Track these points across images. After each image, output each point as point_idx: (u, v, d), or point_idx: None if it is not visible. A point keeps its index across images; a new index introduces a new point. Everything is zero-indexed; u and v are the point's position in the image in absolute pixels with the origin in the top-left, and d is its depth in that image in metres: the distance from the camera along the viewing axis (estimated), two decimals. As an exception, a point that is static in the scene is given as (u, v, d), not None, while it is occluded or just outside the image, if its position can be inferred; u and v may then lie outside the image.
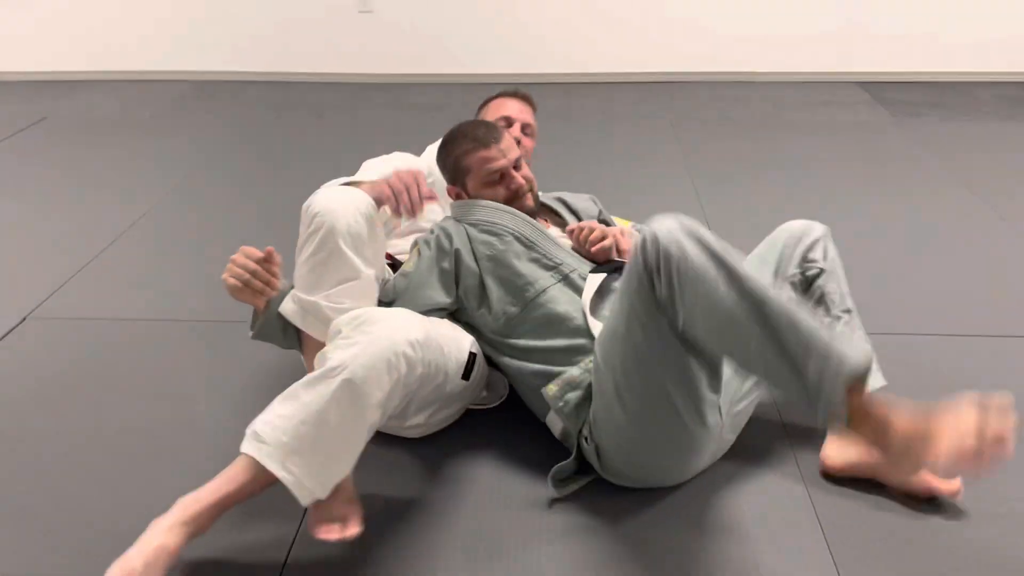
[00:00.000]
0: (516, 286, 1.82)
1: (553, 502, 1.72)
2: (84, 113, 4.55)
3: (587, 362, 1.69)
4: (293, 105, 4.68)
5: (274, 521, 1.68)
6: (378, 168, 2.20)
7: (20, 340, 2.35)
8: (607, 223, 2.17)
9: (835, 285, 1.83)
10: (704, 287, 1.40)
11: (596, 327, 1.72)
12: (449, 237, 1.87)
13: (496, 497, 1.75)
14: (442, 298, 1.84)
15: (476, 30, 5.02)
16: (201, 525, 1.45)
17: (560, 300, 1.78)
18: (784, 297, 1.39)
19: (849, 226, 2.99)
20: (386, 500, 1.74)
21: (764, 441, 1.88)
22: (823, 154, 3.79)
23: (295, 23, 5.03)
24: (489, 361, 2.02)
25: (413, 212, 1.72)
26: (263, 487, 1.48)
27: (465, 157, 1.95)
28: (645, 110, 4.53)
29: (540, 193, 2.12)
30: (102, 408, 2.03)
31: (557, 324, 1.76)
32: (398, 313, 1.61)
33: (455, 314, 1.93)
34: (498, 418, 1.97)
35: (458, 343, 1.76)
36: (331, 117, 4.47)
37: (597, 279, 1.78)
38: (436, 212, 2.28)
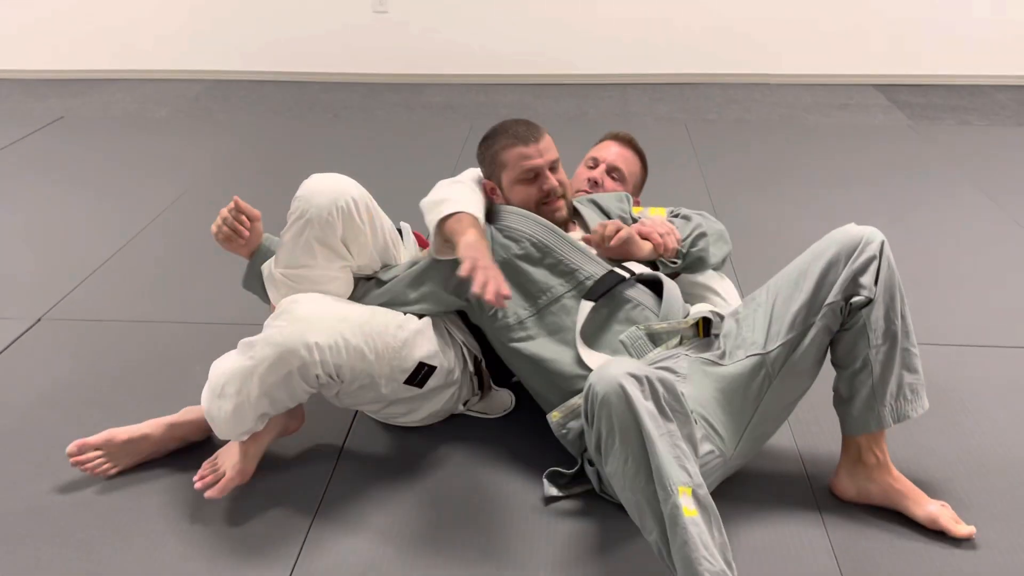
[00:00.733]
0: (529, 292, 1.82)
1: (549, 501, 1.75)
2: (101, 112, 4.57)
3: None
4: (308, 105, 4.69)
5: (282, 527, 1.69)
6: (450, 188, 2.03)
7: (34, 341, 2.36)
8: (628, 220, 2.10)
9: (881, 311, 1.62)
10: (621, 471, 1.42)
11: (588, 356, 1.72)
12: None
13: (495, 492, 1.77)
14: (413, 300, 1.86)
15: (491, 31, 5.01)
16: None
17: (572, 311, 1.78)
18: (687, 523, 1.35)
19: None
20: (380, 488, 1.76)
21: (776, 462, 1.86)
22: (839, 159, 3.76)
23: (311, 23, 5.04)
24: (499, 372, 2.02)
25: (492, 301, 1.59)
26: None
27: (503, 152, 1.94)
28: (660, 112, 4.51)
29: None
30: (116, 410, 2.03)
31: (566, 332, 1.77)
32: (319, 311, 1.67)
33: (464, 316, 1.95)
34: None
35: (405, 351, 1.74)
36: (346, 117, 4.48)
37: (587, 307, 1.77)
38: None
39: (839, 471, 1.74)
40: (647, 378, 1.42)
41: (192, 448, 1.89)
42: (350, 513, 1.74)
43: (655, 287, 1.85)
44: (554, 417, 1.71)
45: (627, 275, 1.81)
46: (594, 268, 1.83)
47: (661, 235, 1.90)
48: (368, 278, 1.92)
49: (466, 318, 1.97)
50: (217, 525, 1.70)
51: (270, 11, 5.03)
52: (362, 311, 1.75)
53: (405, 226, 2.10)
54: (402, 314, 1.81)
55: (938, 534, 1.64)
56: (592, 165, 2.16)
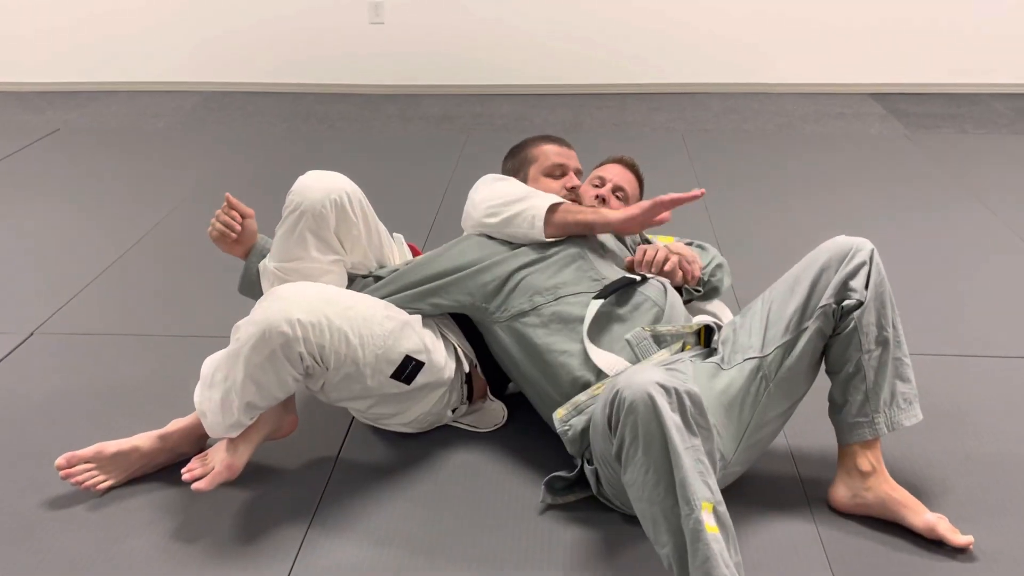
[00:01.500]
0: (554, 285, 1.85)
1: (547, 508, 1.74)
2: (97, 124, 4.57)
3: (595, 388, 1.68)
4: (305, 116, 4.69)
5: (283, 523, 1.68)
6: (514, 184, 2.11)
7: (27, 355, 2.35)
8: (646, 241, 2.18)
9: (873, 317, 1.65)
10: (641, 480, 1.40)
11: (595, 354, 1.72)
12: None
13: (492, 498, 1.77)
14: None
15: (487, 41, 5.02)
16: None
17: (583, 305, 1.80)
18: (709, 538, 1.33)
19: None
20: (376, 494, 1.75)
21: (773, 471, 1.85)
22: (835, 168, 3.76)
23: (307, 35, 5.05)
24: (494, 383, 2.01)
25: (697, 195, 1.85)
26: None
27: (535, 146, 2.12)
28: (657, 121, 4.51)
29: None
30: (108, 425, 2.02)
31: (575, 324, 1.78)
32: (303, 291, 1.67)
33: (460, 319, 1.97)
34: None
35: (391, 341, 1.74)
36: (343, 128, 4.48)
37: (596, 306, 1.77)
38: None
39: (836, 483, 1.73)
40: (675, 390, 1.40)
41: (184, 463, 1.87)
42: (346, 520, 1.73)
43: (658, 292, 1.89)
44: (559, 414, 1.70)
45: (637, 278, 1.85)
46: (613, 274, 1.89)
47: (690, 262, 1.96)
48: (365, 276, 1.93)
49: (462, 321, 1.97)
50: (209, 536, 1.68)
51: (267, 22, 5.04)
52: (348, 297, 1.75)
53: (398, 236, 2.10)
54: (392, 306, 1.82)
55: (935, 544, 1.62)
56: (599, 184, 2.17)
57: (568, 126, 4.43)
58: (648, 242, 2.13)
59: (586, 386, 1.73)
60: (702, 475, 1.37)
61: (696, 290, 2.04)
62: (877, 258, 1.68)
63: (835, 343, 1.67)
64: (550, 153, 2.10)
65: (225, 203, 1.91)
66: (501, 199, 1.94)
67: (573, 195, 2.07)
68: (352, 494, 1.80)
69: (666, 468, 1.37)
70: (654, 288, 1.87)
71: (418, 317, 1.84)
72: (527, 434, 1.96)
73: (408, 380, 1.78)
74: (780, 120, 4.51)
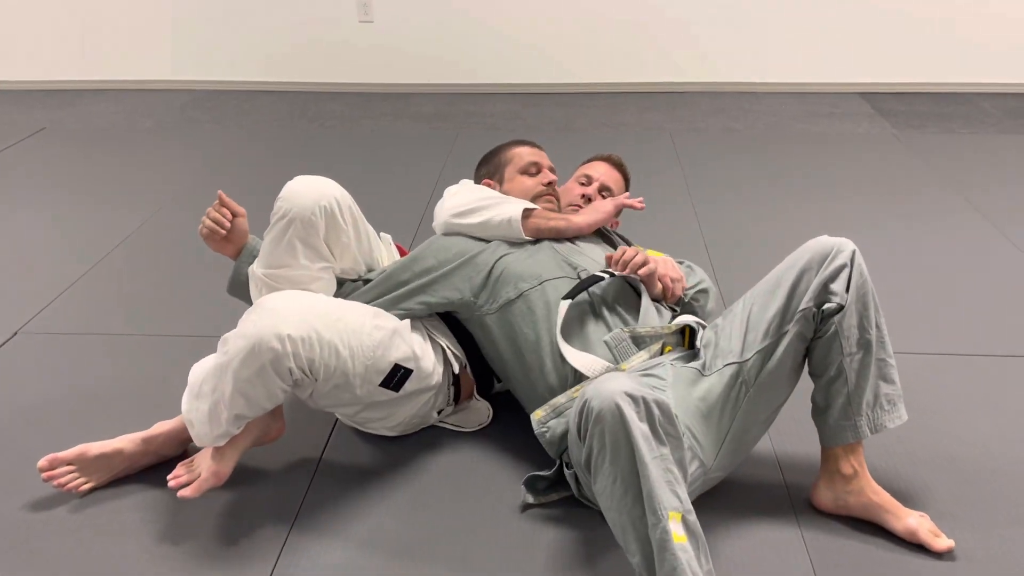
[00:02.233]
0: (538, 272, 1.86)
1: (527, 507, 1.74)
2: (85, 123, 4.55)
3: (574, 390, 1.67)
4: (295, 115, 4.68)
5: (269, 519, 1.67)
6: (483, 191, 2.14)
7: (10, 355, 2.34)
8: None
9: (854, 319, 1.63)
10: (610, 490, 1.40)
11: (571, 356, 1.72)
12: None
13: (475, 500, 1.76)
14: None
15: (478, 40, 5.01)
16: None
17: (564, 288, 1.81)
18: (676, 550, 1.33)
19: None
20: (359, 496, 1.75)
21: (757, 473, 1.85)
22: (824, 168, 3.76)
23: (296, 33, 5.03)
24: (481, 382, 2.01)
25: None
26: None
27: (510, 149, 2.18)
28: (647, 121, 4.51)
29: None
30: (91, 425, 2.01)
31: (556, 307, 1.79)
32: (292, 304, 1.65)
33: (448, 319, 1.98)
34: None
35: (380, 351, 1.73)
36: (333, 126, 4.47)
37: (564, 306, 1.77)
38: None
39: (818, 483, 1.73)
40: (643, 399, 1.40)
41: (167, 464, 1.86)
42: (328, 522, 1.72)
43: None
44: (537, 415, 1.70)
45: (605, 276, 1.83)
46: (586, 264, 1.90)
47: (672, 280, 1.94)
48: (354, 280, 1.93)
49: (449, 321, 1.97)
50: (192, 536, 1.68)
51: (256, 21, 5.02)
52: (337, 308, 1.73)
53: (386, 236, 2.09)
54: (382, 313, 1.81)
55: (917, 545, 1.63)
56: (585, 182, 2.18)
57: (559, 125, 4.43)
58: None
59: (567, 382, 1.73)
60: (670, 484, 1.37)
61: (673, 309, 2.01)
62: (859, 259, 1.65)
63: (816, 347, 1.65)
64: (524, 153, 2.16)
65: (217, 200, 1.91)
66: (470, 206, 1.96)
67: (550, 190, 2.11)
68: (335, 496, 1.80)
69: (633, 478, 1.37)
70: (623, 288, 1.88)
71: (407, 323, 1.83)
72: (511, 434, 1.96)
73: (397, 388, 1.78)
74: (769, 119, 4.52)
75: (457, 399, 1.98)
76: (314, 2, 4.96)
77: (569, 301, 1.78)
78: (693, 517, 1.38)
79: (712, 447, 1.64)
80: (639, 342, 1.76)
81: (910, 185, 3.54)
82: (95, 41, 5.12)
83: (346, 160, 3.90)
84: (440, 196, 2.10)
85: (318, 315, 1.66)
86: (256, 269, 1.86)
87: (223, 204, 1.91)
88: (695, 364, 1.73)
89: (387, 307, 1.85)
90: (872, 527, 1.68)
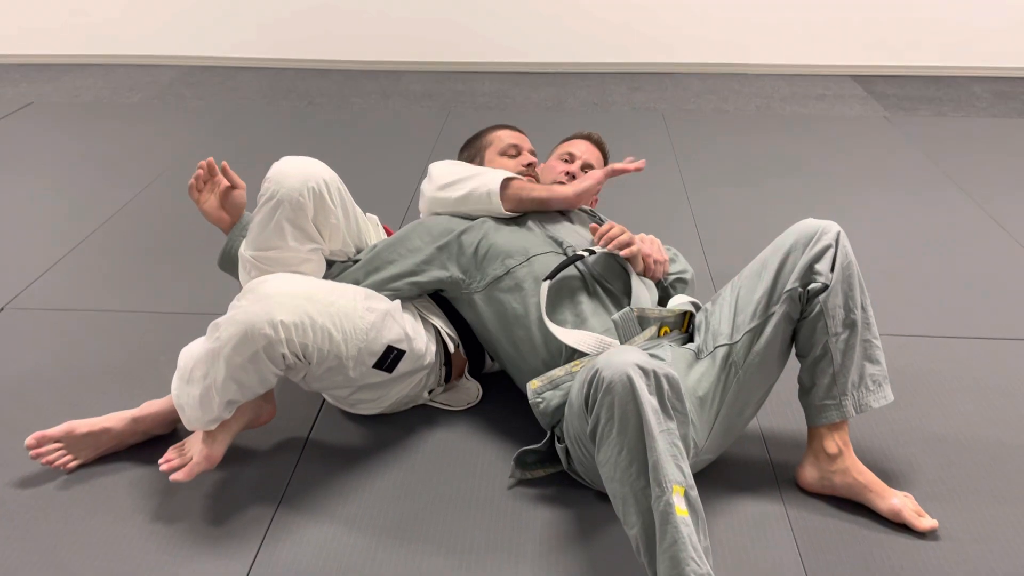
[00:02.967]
0: (525, 247, 1.87)
1: (515, 483, 1.75)
2: (71, 98, 4.51)
3: (573, 364, 1.68)
4: (283, 92, 4.65)
5: (252, 505, 1.68)
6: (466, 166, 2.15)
7: (-2, 331, 2.33)
8: None
9: (839, 299, 1.64)
10: (614, 460, 1.41)
11: (560, 334, 1.72)
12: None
13: (463, 480, 1.77)
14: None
15: (469, 18, 4.98)
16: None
17: (552, 264, 1.82)
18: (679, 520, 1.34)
19: (838, 224, 2.97)
20: (346, 477, 1.75)
21: (744, 451, 1.86)
22: (814, 150, 3.77)
23: (285, 9, 4.98)
24: (473, 362, 2.02)
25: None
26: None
27: (491, 133, 2.21)
28: (638, 101, 4.50)
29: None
30: (80, 401, 2.01)
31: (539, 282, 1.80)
32: (284, 289, 1.64)
33: (440, 300, 1.98)
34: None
35: (373, 333, 1.73)
36: (322, 104, 4.44)
37: (546, 287, 1.78)
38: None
39: (804, 463, 1.74)
40: (654, 372, 1.41)
41: (155, 441, 1.87)
42: (316, 501, 1.73)
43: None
44: (532, 386, 1.69)
45: (584, 254, 1.84)
46: (569, 238, 1.91)
47: (655, 262, 1.94)
48: (344, 262, 1.93)
49: (441, 302, 1.97)
50: (179, 515, 1.68)
51: (245, -4, 4.97)
52: (329, 291, 1.72)
53: (372, 217, 2.08)
54: (373, 294, 1.81)
55: (902, 524, 1.64)
56: (569, 159, 2.17)
57: (550, 104, 4.41)
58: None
59: (559, 355, 1.73)
60: (675, 458, 1.38)
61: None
62: (844, 240, 1.67)
63: (803, 327, 1.67)
64: (504, 136, 2.18)
65: (214, 166, 1.92)
66: (453, 178, 1.97)
67: (530, 171, 2.12)
68: (322, 475, 1.80)
69: (640, 449, 1.37)
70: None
71: (398, 304, 1.83)
72: (500, 413, 1.97)
73: (390, 369, 1.78)
74: (760, 101, 4.51)
75: (448, 378, 1.98)
76: (304, -22, 4.91)
77: (549, 282, 1.78)
78: (695, 493, 1.39)
79: (704, 428, 1.65)
80: (643, 322, 1.76)
81: (900, 168, 3.55)
82: (82, 15, 5.06)
83: (335, 139, 3.87)
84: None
85: (310, 299, 1.65)
86: (245, 251, 1.84)
87: (224, 173, 1.91)
88: (691, 346, 1.75)
89: (376, 288, 1.85)
90: (857, 506, 1.69)
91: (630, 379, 1.37)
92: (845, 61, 4.99)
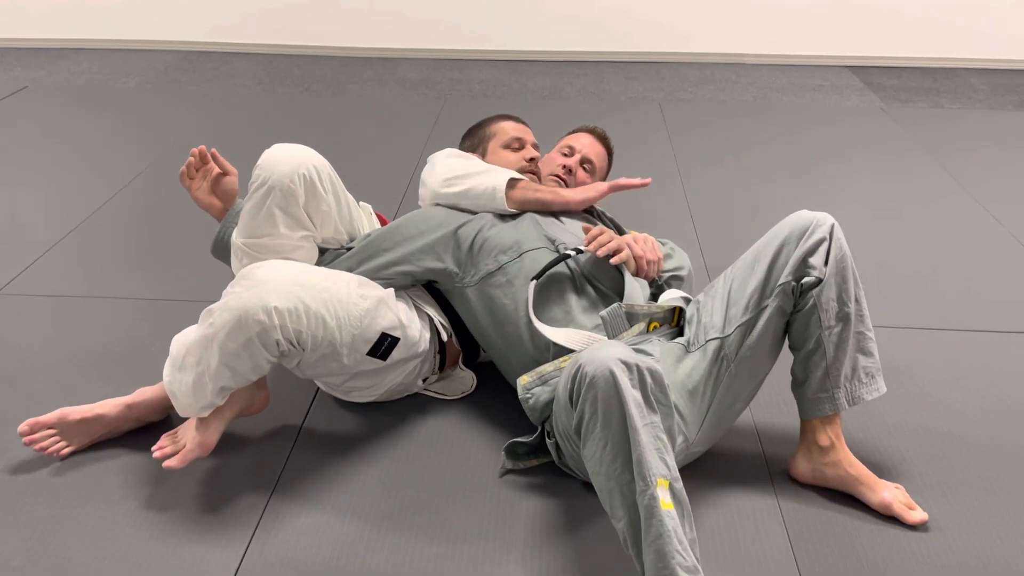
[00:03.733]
0: (519, 243, 1.86)
1: (505, 473, 1.76)
2: (67, 82, 4.49)
3: (562, 360, 1.68)
4: (280, 78, 4.63)
5: (244, 495, 1.68)
6: (469, 161, 2.14)
7: (-8, 317, 2.33)
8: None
9: (833, 293, 1.63)
10: (599, 455, 1.41)
11: (548, 332, 1.72)
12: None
13: (456, 469, 1.77)
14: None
15: (465, 6, 4.96)
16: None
17: (544, 260, 1.81)
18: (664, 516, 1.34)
19: (833, 215, 2.97)
20: (339, 465, 1.76)
21: (736, 443, 1.86)
22: (811, 140, 3.76)
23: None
24: (468, 352, 2.02)
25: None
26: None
27: (493, 123, 2.19)
28: (635, 90, 4.49)
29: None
30: (73, 388, 2.01)
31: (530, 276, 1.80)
32: (278, 275, 1.65)
33: (434, 290, 1.98)
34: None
35: (367, 320, 1.73)
36: (318, 91, 4.42)
37: (532, 287, 1.78)
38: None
39: (796, 455, 1.75)
40: (637, 366, 1.41)
41: (148, 427, 1.87)
42: (309, 488, 1.73)
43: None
44: (522, 381, 1.69)
45: (572, 252, 1.83)
46: (563, 237, 1.90)
47: (648, 262, 1.91)
48: (337, 249, 1.92)
49: (435, 292, 1.97)
50: (172, 502, 1.68)
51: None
52: (323, 278, 1.72)
53: (366, 206, 2.08)
54: (367, 282, 1.80)
55: (892, 517, 1.65)
56: (568, 153, 2.16)
57: (546, 93, 4.40)
58: (623, 234, 2.10)
59: (548, 351, 1.74)
60: (659, 452, 1.38)
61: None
62: (838, 233, 1.66)
63: (796, 320, 1.66)
64: (508, 128, 2.16)
65: (206, 154, 1.93)
66: (458, 172, 1.96)
67: (532, 166, 2.11)
68: (315, 463, 1.80)
69: (624, 443, 1.38)
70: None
71: (391, 291, 1.83)
72: (493, 403, 1.97)
73: (384, 356, 1.78)
74: (757, 91, 4.50)
75: (442, 367, 1.98)
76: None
77: (536, 282, 1.78)
78: (680, 485, 1.39)
79: (695, 422, 1.65)
80: (632, 318, 1.76)
81: (897, 159, 3.55)
82: (76, -1, 5.03)
83: (330, 126, 3.86)
84: (425, 164, 2.08)
85: (304, 286, 1.65)
86: (236, 239, 1.84)
87: (215, 160, 1.91)
88: (681, 340, 1.75)
89: (370, 276, 1.85)
90: (848, 498, 1.70)
91: (612, 374, 1.38)
92: (842, 52, 4.98)
